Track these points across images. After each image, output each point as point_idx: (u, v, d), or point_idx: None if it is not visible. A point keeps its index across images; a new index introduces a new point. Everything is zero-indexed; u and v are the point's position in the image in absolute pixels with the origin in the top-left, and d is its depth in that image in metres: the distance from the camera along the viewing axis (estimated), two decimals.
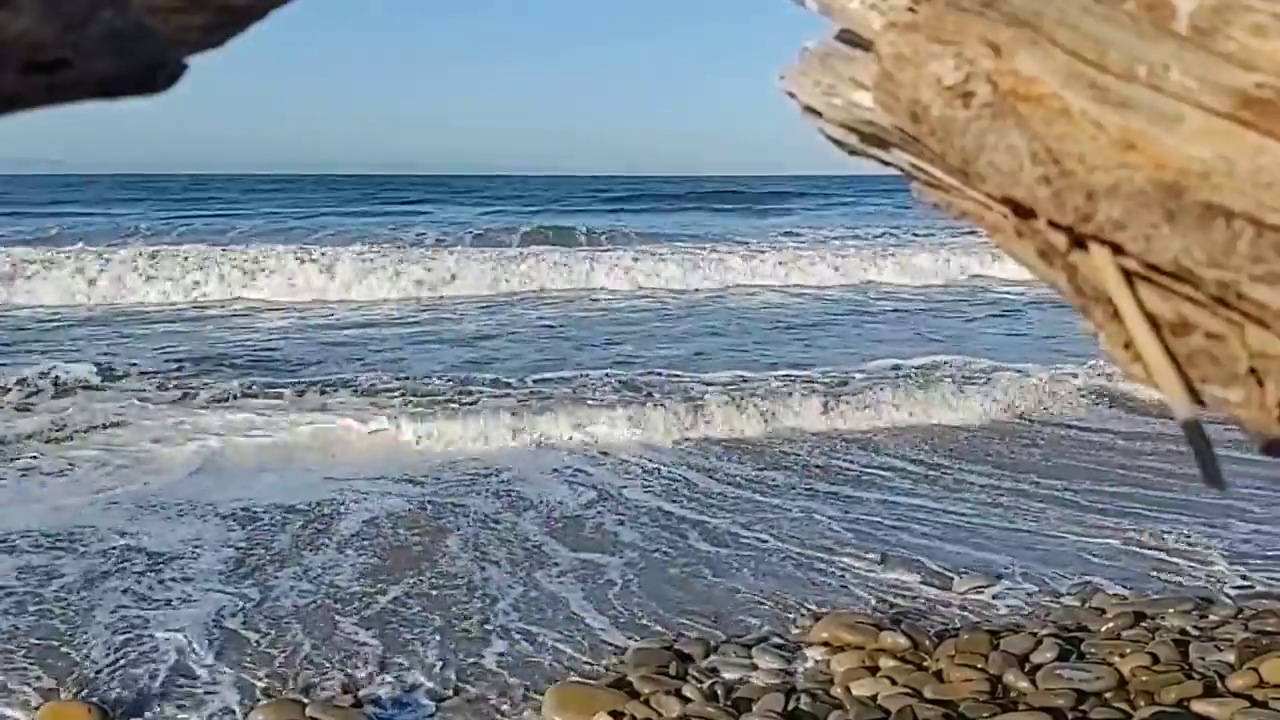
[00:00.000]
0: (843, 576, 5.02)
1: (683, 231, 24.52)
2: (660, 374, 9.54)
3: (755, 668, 3.88)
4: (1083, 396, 8.72)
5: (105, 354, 10.33)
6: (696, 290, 16.52)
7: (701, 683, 3.71)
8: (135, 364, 9.73)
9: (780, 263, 18.03)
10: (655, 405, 8.19)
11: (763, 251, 18.99)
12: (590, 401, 8.43)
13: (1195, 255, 0.83)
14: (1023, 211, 0.97)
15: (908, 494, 6.36)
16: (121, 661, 4.15)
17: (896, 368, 9.85)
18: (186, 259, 16.16)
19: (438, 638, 4.36)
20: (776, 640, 4.19)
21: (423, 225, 25.61)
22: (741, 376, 9.45)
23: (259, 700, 3.80)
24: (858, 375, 9.47)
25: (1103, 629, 4.11)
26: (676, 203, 39.01)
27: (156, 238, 20.46)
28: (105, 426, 7.53)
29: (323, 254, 16.67)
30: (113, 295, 14.92)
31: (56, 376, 8.85)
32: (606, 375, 9.46)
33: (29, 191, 37.45)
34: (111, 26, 0.77)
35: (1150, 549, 5.31)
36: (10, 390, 8.39)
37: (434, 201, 39.54)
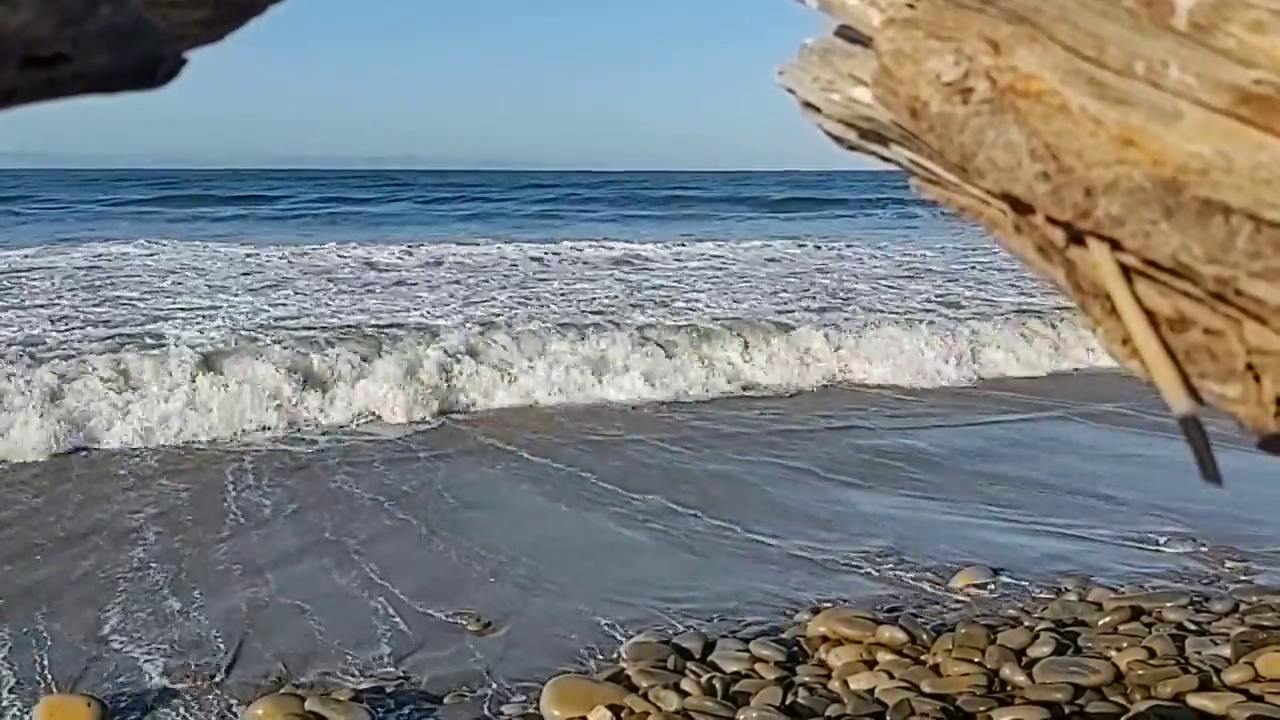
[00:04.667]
0: (841, 571, 5.03)
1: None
2: None
3: (754, 661, 3.89)
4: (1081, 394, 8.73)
5: None
6: None
7: (700, 677, 3.72)
8: None
9: None
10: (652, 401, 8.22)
11: None
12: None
13: (1194, 251, 0.83)
14: (1021, 207, 0.97)
15: (907, 490, 6.37)
16: (120, 656, 4.15)
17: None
18: None
19: (436, 634, 4.37)
20: (775, 634, 4.19)
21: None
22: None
23: (259, 694, 3.80)
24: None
25: (1099, 623, 4.12)
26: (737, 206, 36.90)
27: None
28: None
29: None
30: None
31: None
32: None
33: None
34: (110, 21, 0.77)
35: (1148, 544, 5.32)
36: None
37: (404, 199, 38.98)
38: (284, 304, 12.16)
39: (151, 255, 17.48)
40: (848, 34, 1.13)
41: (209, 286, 13.60)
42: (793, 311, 11.63)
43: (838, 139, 1.21)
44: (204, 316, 10.90)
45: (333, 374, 8.42)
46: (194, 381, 7.95)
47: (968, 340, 10.17)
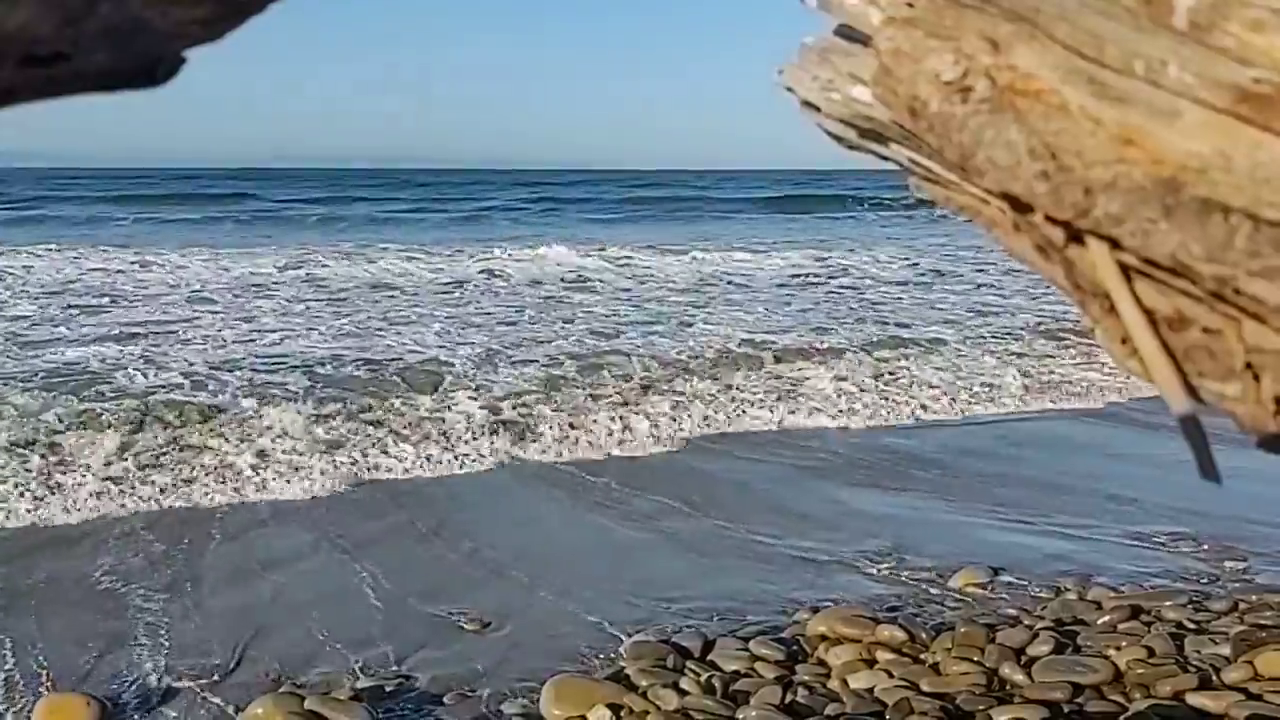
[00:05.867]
0: (841, 571, 5.03)
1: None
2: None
3: (753, 660, 3.89)
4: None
5: None
6: None
7: (699, 675, 3.72)
8: None
9: None
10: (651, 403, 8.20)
11: None
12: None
13: (1193, 250, 0.83)
14: (1020, 206, 0.97)
15: (907, 490, 6.37)
16: (121, 655, 4.15)
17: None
18: None
19: (436, 633, 4.37)
20: (774, 633, 4.19)
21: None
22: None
23: (259, 693, 3.79)
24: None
25: (1099, 622, 4.12)
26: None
27: None
28: None
29: None
30: None
31: None
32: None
33: None
34: (109, 20, 0.77)
35: (1148, 544, 5.32)
36: None
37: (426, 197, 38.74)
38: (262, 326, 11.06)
39: (123, 264, 16.55)
40: (847, 33, 1.13)
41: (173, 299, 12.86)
42: (829, 331, 10.76)
43: (837, 138, 1.21)
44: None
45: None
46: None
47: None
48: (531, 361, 9.16)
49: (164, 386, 8.10)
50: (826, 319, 11.86)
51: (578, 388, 8.32)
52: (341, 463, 6.63)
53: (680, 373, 8.88)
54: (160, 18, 0.85)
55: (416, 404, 7.77)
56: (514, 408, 7.75)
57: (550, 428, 7.41)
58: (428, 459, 6.82)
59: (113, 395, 7.74)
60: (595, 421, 7.56)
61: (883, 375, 9.05)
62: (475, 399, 7.90)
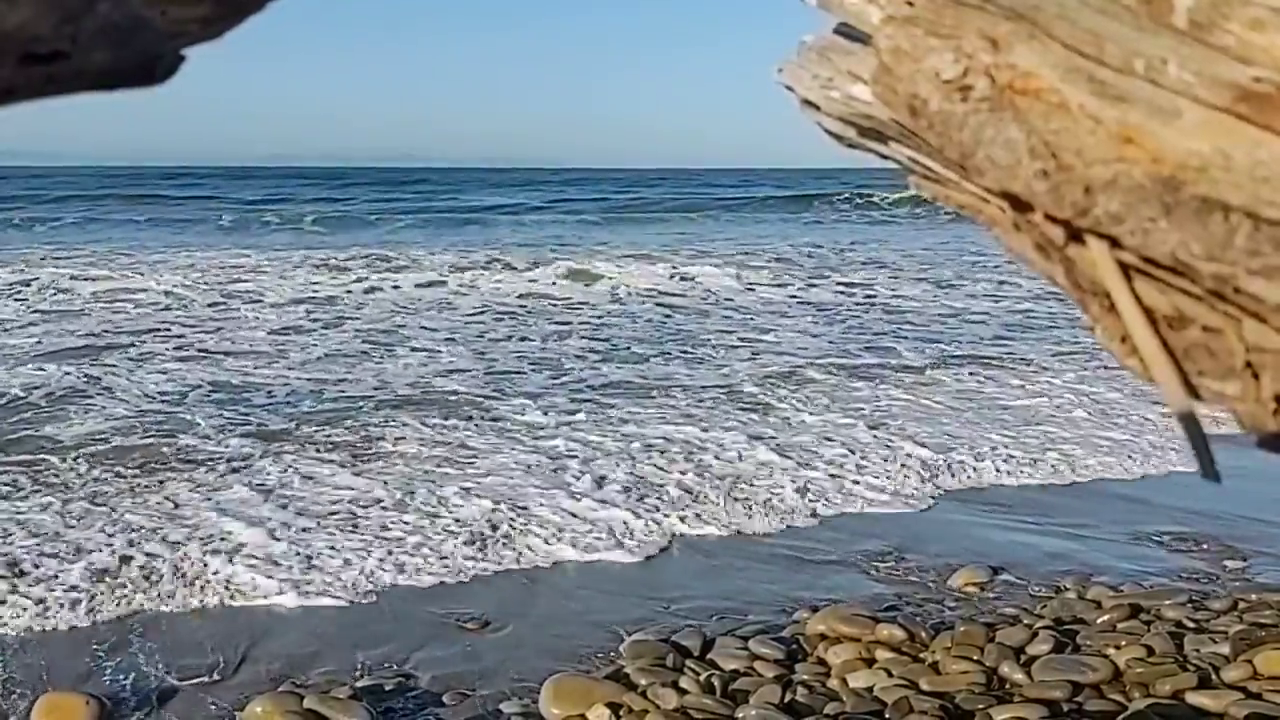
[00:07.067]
0: (840, 570, 5.03)
1: None
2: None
3: (752, 659, 3.89)
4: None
5: None
6: None
7: (699, 674, 3.72)
8: None
9: None
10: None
11: None
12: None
13: (1192, 249, 0.83)
14: (1020, 205, 0.97)
15: (904, 488, 6.36)
16: (120, 654, 4.15)
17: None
18: None
19: (436, 633, 4.37)
20: (774, 632, 4.19)
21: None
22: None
23: (258, 692, 3.79)
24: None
25: (1098, 621, 4.13)
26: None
27: None
28: None
29: None
30: None
31: None
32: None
33: None
34: (109, 19, 0.77)
35: (1148, 543, 5.32)
36: None
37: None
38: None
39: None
40: (847, 31, 1.13)
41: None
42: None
43: (837, 136, 1.21)
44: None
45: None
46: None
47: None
48: (540, 393, 8.33)
49: (126, 425, 7.15)
50: (867, 335, 10.85)
51: (600, 429, 7.27)
52: (334, 559, 5.05)
53: (723, 406, 7.96)
54: (159, 16, 0.85)
55: (410, 441, 6.95)
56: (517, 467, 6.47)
57: (574, 483, 6.18)
58: (424, 552, 5.20)
59: (58, 440, 6.76)
60: (627, 485, 6.14)
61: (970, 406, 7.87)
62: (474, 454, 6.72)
